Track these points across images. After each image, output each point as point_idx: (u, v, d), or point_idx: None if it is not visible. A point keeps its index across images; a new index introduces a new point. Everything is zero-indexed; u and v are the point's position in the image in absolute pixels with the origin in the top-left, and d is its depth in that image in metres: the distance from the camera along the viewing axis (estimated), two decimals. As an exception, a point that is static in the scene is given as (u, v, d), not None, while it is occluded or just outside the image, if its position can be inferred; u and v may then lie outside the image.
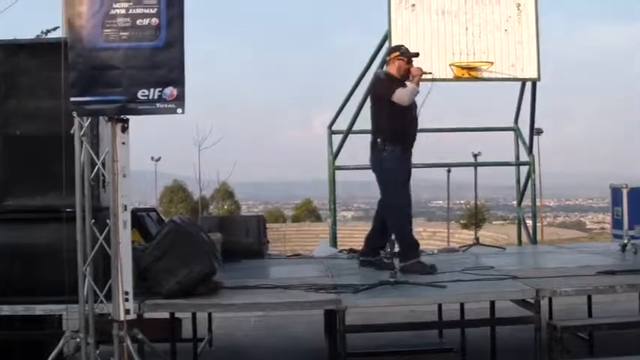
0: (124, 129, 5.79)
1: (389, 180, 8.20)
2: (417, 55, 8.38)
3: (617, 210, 9.47)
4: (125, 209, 5.79)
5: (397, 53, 8.39)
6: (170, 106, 5.70)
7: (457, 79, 11.26)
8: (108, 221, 5.91)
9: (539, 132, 38.62)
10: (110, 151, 5.84)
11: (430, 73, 8.50)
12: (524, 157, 12.83)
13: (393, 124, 8.12)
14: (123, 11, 5.68)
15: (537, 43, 11.56)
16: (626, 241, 9.20)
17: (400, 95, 8.00)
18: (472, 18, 11.56)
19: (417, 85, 8.14)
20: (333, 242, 12.29)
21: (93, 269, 6.00)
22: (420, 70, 8.20)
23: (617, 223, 9.49)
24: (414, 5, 11.44)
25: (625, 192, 9.25)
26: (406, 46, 8.61)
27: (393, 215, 8.22)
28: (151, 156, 65.77)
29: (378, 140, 8.17)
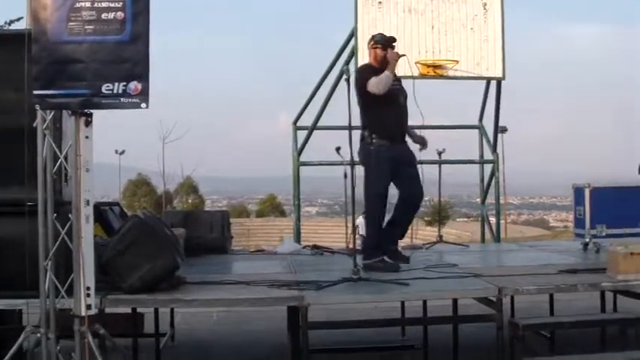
0: (88, 123, 5.74)
1: (372, 174, 7.95)
2: (393, 39, 8.24)
3: (579, 209, 9.55)
4: (88, 204, 5.74)
5: (372, 42, 8.27)
6: (134, 100, 5.67)
7: (422, 76, 11.30)
8: (70, 215, 5.86)
9: (504, 130, 38.91)
10: (73, 145, 5.79)
11: (404, 55, 8.38)
12: (488, 155, 12.94)
13: (378, 116, 7.94)
14: (88, 4, 5.64)
15: (503, 42, 11.67)
16: (587, 240, 9.28)
17: (372, 84, 7.83)
18: (438, 16, 11.66)
19: (392, 71, 7.95)
20: (297, 238, 12.31)
21: (54, 264, 5.93)
22: (396, 54, 8.06)
23: (579, 222, 9.56)
24: (380, 2, 11.49)
25: (587, 191, 9.32)
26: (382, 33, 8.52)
27: (369, 210, 8.08)
28: (115, 149, 65.48)
29: (366, 134, 7.96)
